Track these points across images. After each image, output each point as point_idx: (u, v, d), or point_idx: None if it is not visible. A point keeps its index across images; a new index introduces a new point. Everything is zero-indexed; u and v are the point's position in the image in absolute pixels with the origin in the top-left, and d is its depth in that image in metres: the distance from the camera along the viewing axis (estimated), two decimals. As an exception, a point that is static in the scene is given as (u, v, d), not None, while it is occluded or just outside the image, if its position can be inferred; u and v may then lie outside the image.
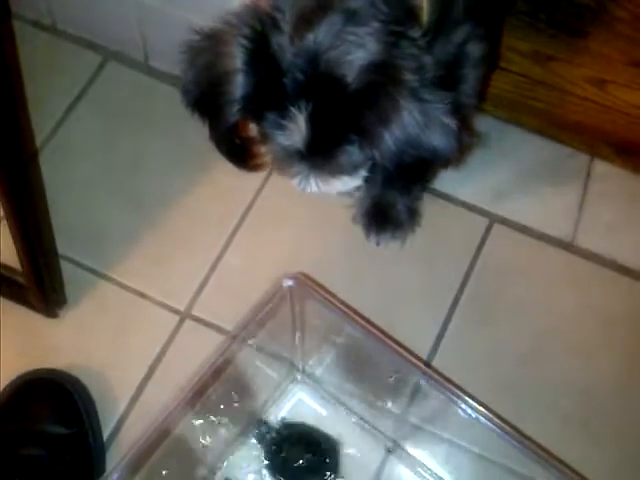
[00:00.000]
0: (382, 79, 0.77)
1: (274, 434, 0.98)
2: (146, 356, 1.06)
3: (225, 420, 0.93)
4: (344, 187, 0.91)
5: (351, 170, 0.87)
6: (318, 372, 1.02)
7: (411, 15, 0.82)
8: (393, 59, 0.77)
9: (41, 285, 1.05)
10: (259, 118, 0.82)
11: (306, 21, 0.77)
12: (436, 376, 0.84)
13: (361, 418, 1.01)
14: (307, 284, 0.84)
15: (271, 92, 0.79)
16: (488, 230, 1.15)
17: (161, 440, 0.80)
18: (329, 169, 0.86)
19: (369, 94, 0.77)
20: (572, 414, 1.03)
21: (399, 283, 1.12)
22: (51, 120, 1.23)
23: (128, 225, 1.15)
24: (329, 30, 0.76)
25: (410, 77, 0.77)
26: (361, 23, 0.77)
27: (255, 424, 0.99)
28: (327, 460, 0.97)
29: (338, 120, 0.79)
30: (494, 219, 1.16)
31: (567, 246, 1.15)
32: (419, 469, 0.99)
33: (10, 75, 0.82)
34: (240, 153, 0.91)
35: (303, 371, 1.03)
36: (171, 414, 0.79)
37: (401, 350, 0.85)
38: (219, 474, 0.98)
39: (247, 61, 0.78)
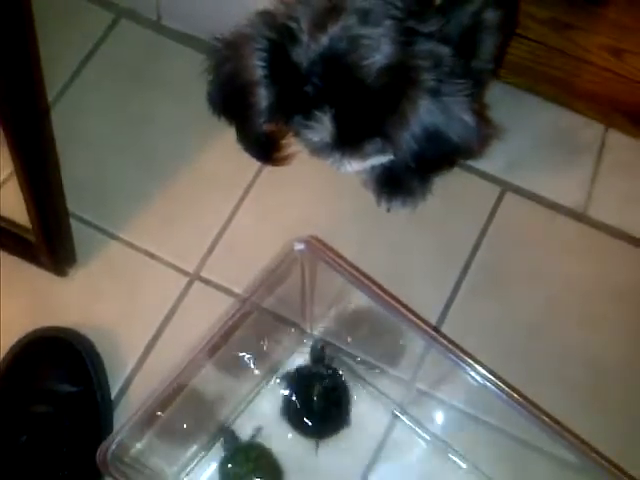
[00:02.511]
0: (400, 82, 0.78)
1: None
2: (155, 316, 1.07)
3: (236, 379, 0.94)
4: (376, 162, 0.93)
5: (380, 154, 0.89)
6: (327, 337, 1.03)
7: (423, 2, 0.82)
8: (409, 60, 0.78)
9: (51, 243, 1.05)
10: (286, 119, 0.84)
11: (321, 26, 0.77)
12: (444, 342, 0.83)
13: (368, 383, 1.01)
14: (318, 248, 0.84)
15: (295, 98, 0.80)
16: (500, 198, 1.15)
17: (176, 394, 0.80)
18: (359, 155, 0.88)
19: (388, 98, 0.78)
20: (580, 383, 1.03)
21: (409, 249, 1.11)
22: (62, 77, 1.22)
23: (138, 185, 1.15)
24: (344, 34, 0.77)
25: (427, 76, 0.78)
26: (375, 23, 0.78)
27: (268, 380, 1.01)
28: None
29: (361, 121, 0.81)
30: (506, 187, 1.15)
31: (579, 216, 1.14)
32: (425, 434, 0.99)
33: (25, 29, 0.82)
34: (266, 149, 0.93)
35: (312, 335, 1.03)
36: (185, 370, 0.80)
37: (410, 315, 0.85)
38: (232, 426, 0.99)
39: (267, 73, 0.80)
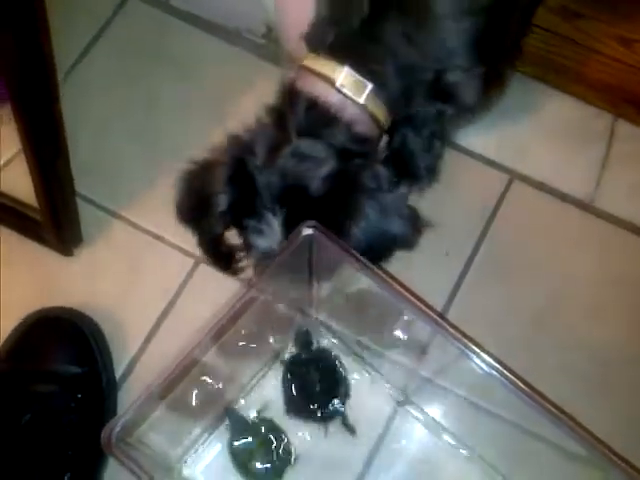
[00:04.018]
0: (344, 185, 0.88)
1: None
2: (160, 298, 1.06)
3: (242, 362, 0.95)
4: None
5: None
6: (332, 323, 1.02)
7: (365, 143, 0.92)
8: (351, 169, 0.89)
9: (57, 222, 1.04)
10: (240, 227, 0.92)
11: (274, 149, 0.88)
12: (450, 328, 0.83)
13: (373, 370, 1.01)
14: (326, 232, 0.84)
15: (249, 205, 0.89)
16: (507, 187, 1.14)
17: (181, 376, 0.80)
18: None
19: (335, 198, 0.87)
20: (585, 373, 1.03)
21: (415, 236, 1.11)
22: (70, 57, 1.22)
23: (145, 165, 1.14)
24: (293, 155, 0.88)
25: (367, 182, 0.89)
26: (318, 152, 0.88)
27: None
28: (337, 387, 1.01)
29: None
30: (514, 176, 1.15)
31: (586, 206, 1.14)
32: (429, 423, 0.99)
33: (37, 6, 0.81)
34: (226, 260, 1.00)
35: (317, 321, 1.03)
36: (190, 353, 0.79)
37: (416, 301, 0.84)
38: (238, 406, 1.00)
39: (228, 183, 0.90)
